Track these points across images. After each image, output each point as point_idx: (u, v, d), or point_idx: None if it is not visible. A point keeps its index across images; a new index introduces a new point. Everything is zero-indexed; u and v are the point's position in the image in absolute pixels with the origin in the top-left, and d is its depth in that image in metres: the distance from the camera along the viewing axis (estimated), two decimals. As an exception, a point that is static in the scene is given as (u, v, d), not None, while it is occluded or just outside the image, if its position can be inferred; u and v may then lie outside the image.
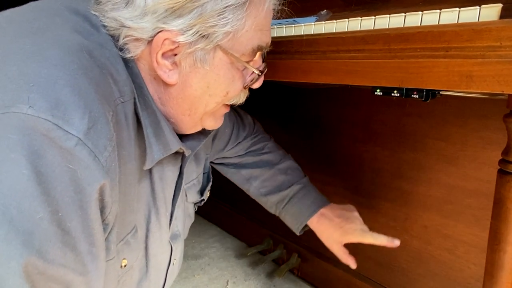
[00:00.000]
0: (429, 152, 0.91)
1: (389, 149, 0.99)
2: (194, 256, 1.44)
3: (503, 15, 0.48)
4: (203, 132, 0.67)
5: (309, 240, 1.27)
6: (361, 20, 0.62)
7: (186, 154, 0.64)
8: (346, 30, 0.64)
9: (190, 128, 0.61)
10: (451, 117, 0.86)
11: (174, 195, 0.68)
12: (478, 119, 0.81)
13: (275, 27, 0.77)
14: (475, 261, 0.85)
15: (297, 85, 1.19)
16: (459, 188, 0.86)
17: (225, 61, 0.53)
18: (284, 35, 0.75)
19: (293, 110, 1.27)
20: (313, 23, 0.71)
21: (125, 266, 0.56)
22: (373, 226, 1.06)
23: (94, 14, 0.49)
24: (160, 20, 0.47)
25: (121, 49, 0.50)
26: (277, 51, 0.72)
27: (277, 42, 0.72)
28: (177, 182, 0.68)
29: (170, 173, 0.65)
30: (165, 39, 0.48)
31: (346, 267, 1.15)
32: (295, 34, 0.73)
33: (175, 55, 0.50)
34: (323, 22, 0.69)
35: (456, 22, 0.51)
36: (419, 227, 0.95)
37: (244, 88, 0.59)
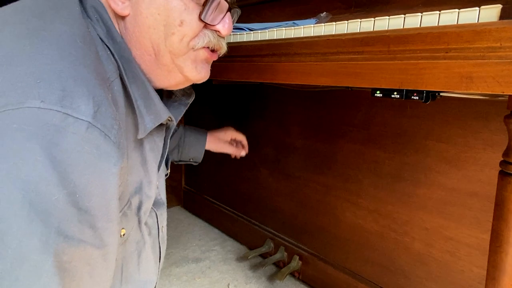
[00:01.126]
0: (430, 154, 0.91)
1: (390, 151, 0.99)
2: (195, 259, 1.43)
3: (503, 15, 0.48)
4: (183, 103, 0.70)
5: (310, 243, 1.26)
6: (360, 22, 0.62)
7: (175, 122, 0.67)
8: (345, 32, 0.64)
9: (165, 75, 0.59)
10: (451, 119, 0.86)
11: (158, 165, 0.71)
12: (478, 121, 0.81)
13: (275, 29, 0.77)
14: (477, 263, 0.85)
15: (297, 87, 1.19)
16: (460, 190, 0.86)
17: None
18: (284, 37, 0.75)
19: (293, 112, 1.27)
20: (312, 25, 0.71)
21: (123, 235, 0.60)
22: (373, 228, 1.06)
23: None
24: None
25: None
26: (277, 53, 0.72)
27: (277, 45, 0.72)
28: (162, 152, 0.71)
29: (160, 143, 0.68)
30: None
31: (347, 270, 1.15)
32: (295, 36, 0.73)
33: None
34: (323, 24, 0.69)
35: (455, 23, 0.51)
36: (421, 229, 0.94)
37: (200, 20, 0.55)
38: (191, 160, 1.14)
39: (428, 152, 0.91)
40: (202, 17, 0.55)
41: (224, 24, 0.58)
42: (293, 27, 0.74)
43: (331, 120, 1.14)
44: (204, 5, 0.55)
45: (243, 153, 1.22)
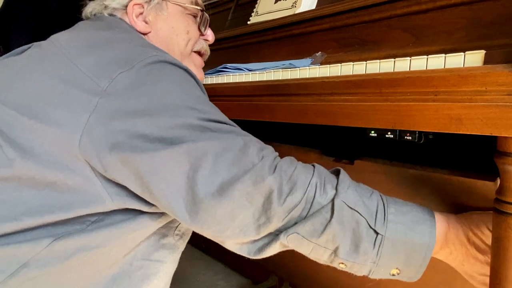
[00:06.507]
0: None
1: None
2: (199, 295, 1.42)
3: (487, 60, 0.50)
4: None
5: (315, 278, 1.25)
6: (353, 65, 0.65)
7: None
8: (339, 74, 0.67)
9: None
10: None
11: None
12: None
13: (273, 70, 0.80)
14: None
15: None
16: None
17: (177, 9, 0.81)
18: (281, 78, 0.78)
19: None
20: (308, 67, 0.73)
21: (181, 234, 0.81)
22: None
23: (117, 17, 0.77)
24: None
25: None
26: (275, 94, 0.75)
27: (275, 86, 0.75)
28: None
29: None
30: (134, 5, 0.76)
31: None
32: (292, 77, 0.76)
33: (141, 13, 0.77)
34: (318, 66, 0.71)
35: (443, 67, 0.53)
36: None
37: (199, 29, 0.85)
38: None
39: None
40: (200, 27, 0.85)
41: (211, 33, 0.90)
42: (289, 69, 0.77)
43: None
44: (200, 20, 0.85)
45: None
